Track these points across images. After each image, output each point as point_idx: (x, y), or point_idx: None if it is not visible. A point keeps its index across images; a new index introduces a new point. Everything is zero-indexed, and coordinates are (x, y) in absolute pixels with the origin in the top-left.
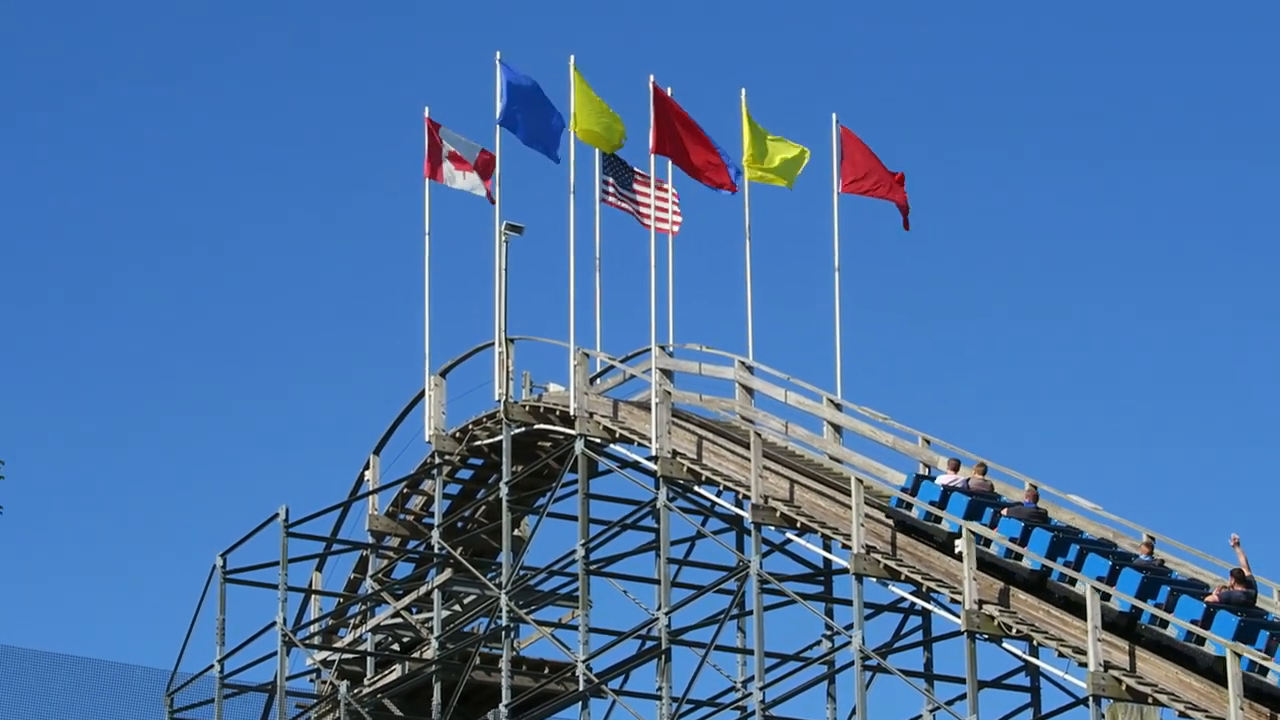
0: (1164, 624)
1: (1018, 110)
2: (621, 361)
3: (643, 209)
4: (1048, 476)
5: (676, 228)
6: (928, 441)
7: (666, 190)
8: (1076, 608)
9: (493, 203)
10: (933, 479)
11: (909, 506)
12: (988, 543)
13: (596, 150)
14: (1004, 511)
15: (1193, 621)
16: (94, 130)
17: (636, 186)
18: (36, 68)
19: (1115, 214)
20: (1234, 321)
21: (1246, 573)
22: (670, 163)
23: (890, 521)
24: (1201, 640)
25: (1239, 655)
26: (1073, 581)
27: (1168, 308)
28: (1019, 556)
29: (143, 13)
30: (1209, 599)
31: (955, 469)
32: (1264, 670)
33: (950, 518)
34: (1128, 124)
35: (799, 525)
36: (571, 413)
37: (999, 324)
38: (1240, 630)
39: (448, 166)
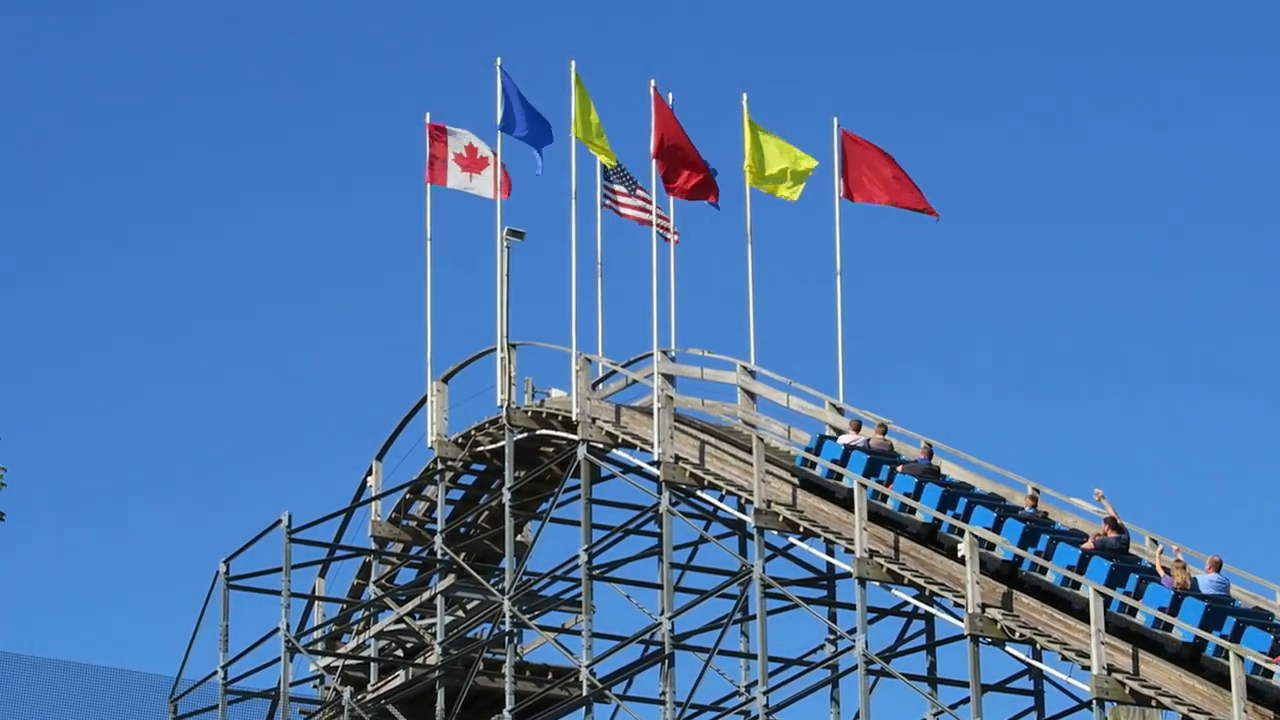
0: (1044, 570)
1: (1022, 112)
2: (624, 366)
3: (641, 214)
4: (1051, 480)
5: (676, 237)
6: (930, 446)
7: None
8: (994, 571)
9: (505, 196)
10: (836, 439)
11: (814, 465)
12: (884, 498)
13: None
14: (899, 468)
15: (1069, 567)
16: (97, 134)
17: (638, 194)
18: (40, 69)
19: (1120, 215)
20: (1243, 321)
21: (1118, 521)
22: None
23: (795, 479)
24: (1077, 585)
25: (1108, 598)
26: (961, 533)
27: (1176, 308)
28: (913, 510)
29: (146, 18)
30: (1085, 546)
31: (857, 429)
32: (1133, 611)
33: (850, 474)
34: (1134, 124)
35: (802, 530)
36: (574, 418)
37: (1003, 328)
38: (1112, 574)
39: (453, 169)
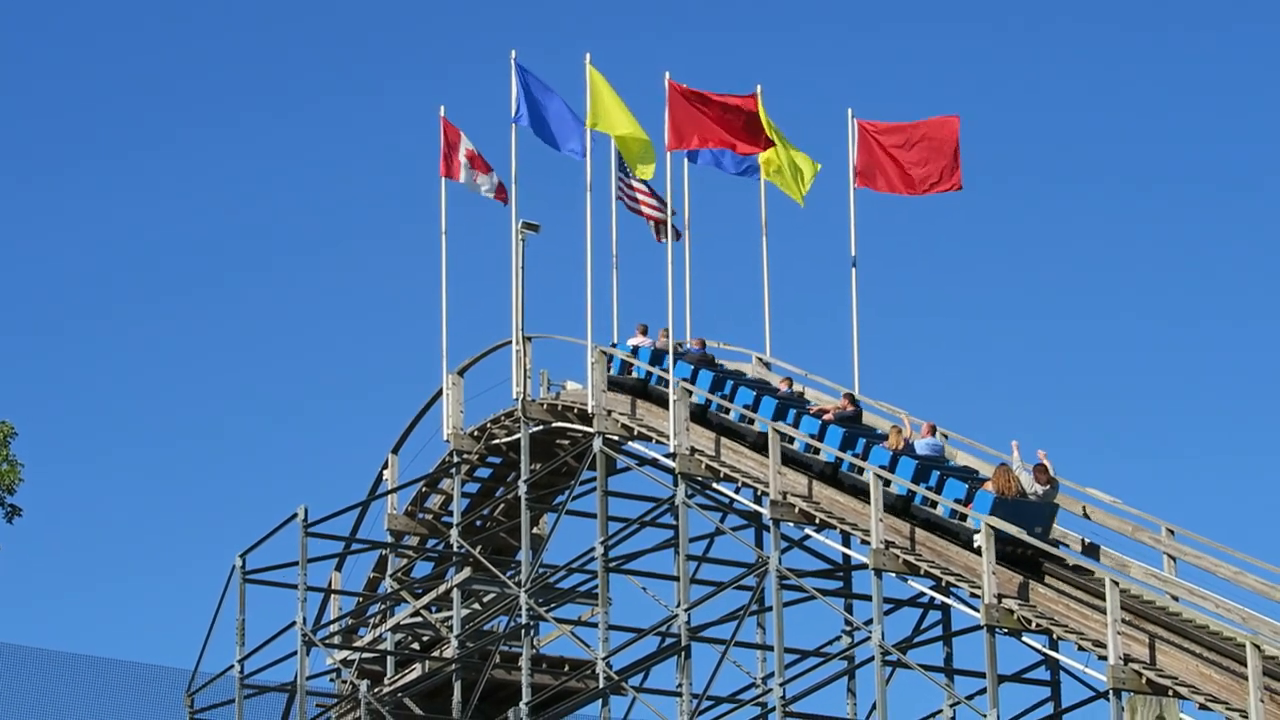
0: (792, 440)
1: (1037, 104)
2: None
3: (651, 212)
4: (1066, 471)
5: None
6: (945, 436)
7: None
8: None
9: (505, 202)
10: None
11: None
12: (667, 383)
13: (613, 148)
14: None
15: (810, 435)
16: (113, 131)
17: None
18: (55, 69)
19: (1132, 210)
20: (1253, 320)
21: (855, 397)
22: (686, 160)
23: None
24: (817, 450)
25: (842, 459)
26: (727, 410)
27: (1186, 304)
28: (691, 393)
29: (157, 13)
30: (825, 417)
31: (644, 332)
32: (860, 470)
33: (641, 364)
34: (1149, 117)
35: (818, 521)
36: (589, 410)
37: (1017, 318)
38: (844, 439)
39: (465, 166)
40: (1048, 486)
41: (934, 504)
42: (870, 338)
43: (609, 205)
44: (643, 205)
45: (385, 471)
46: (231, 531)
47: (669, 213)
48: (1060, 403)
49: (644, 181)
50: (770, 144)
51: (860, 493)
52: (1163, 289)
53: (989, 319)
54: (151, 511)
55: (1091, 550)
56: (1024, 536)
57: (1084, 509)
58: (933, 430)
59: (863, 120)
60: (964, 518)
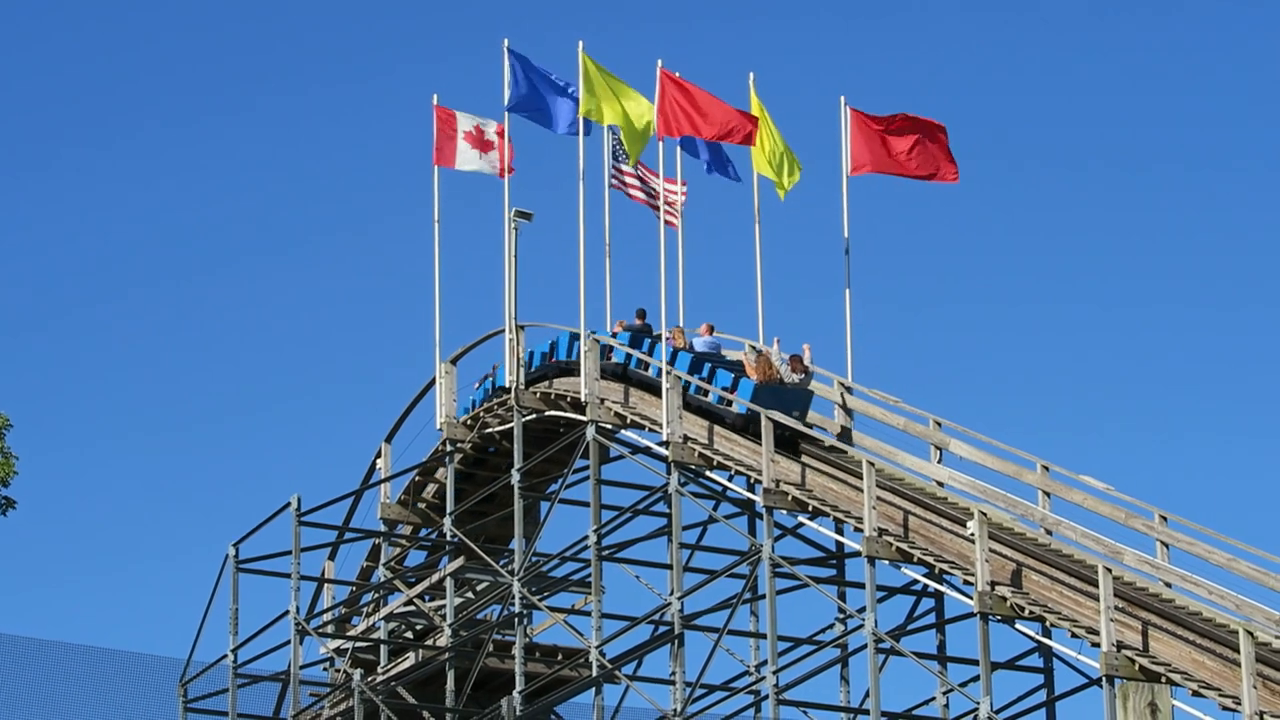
0: (644, 364)
1: (1030, 90)
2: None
3: (652, 196)
4: (1059, 458)
5: (676, 220)
6: (939, 424)
7: (674, 182)
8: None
9: (511, 172)
10: None
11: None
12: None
13: (605, 136)
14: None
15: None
16: (108, 123)
17: (644, 176)
18: (50, 60)
19: (1124, 197)
20: (1243, 307)
21: (645, 311)
22: (679, 148)
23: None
24: (646, 366)
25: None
26: (646, 366)
27: (1179, 291)
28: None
29: (151, 6)
30: (616, 329)
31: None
32: (647, 366)
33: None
34: (1145, 104)
35: (811, 509)
36: (582, 399)
37: (1010, 306)
38: (632, 339)
39: (463, 146)
40: (803, 375)
41: (706, 393)
42: (863, 324)
43: (602, 193)
44: (631, 189)
45: (378, 460)
46: (225, 521)
47: (663, 199)
48: (1054, 389)
49: (638, 167)
50: (752, 140)
51: (646, 385)
52: (1156, 276)
53: (982, 306)
54: (145, 502)
55: (845, 435)
56: (783, 418)
57: (842, 396)
58: (710, 330)
59: (855, 109)
60: (730, 403)
